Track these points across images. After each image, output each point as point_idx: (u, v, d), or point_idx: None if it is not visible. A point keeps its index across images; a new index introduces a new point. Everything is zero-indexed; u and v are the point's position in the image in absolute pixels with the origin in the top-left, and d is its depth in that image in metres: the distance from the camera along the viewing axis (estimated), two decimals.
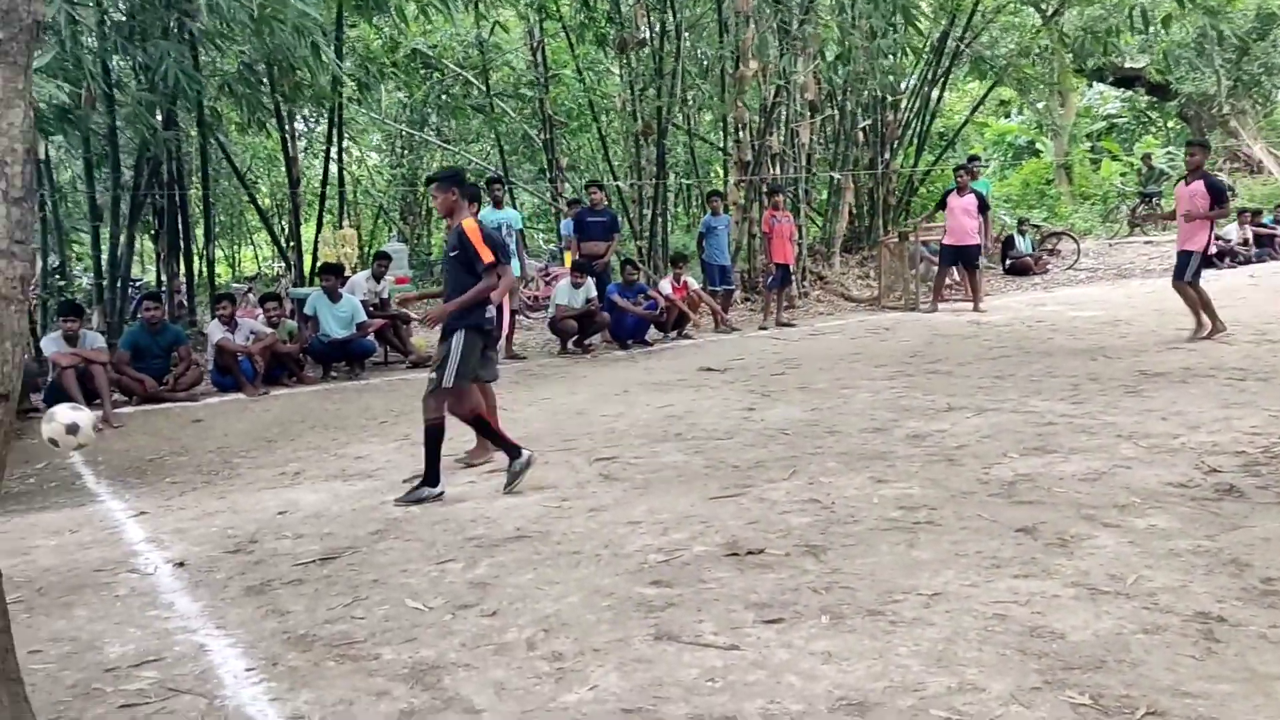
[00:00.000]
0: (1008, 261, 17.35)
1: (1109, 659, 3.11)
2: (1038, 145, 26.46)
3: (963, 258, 13.45)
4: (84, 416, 5.25)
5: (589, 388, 9.26)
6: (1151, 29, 17.27)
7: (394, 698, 3.17)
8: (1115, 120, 27.62)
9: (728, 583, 3.97)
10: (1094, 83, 26.28)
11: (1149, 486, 4.92)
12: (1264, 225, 17.83)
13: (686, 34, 15.28)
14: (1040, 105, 24.65)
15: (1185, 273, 9.49)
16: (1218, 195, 9.36)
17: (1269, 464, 5.15)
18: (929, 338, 11.13)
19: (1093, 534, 4.29)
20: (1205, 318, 9.46)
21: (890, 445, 6.19)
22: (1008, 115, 27.81)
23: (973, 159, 16.21)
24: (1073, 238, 18.93)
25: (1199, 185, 9.39)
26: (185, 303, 12.88)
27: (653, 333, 12.23)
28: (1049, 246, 18.33)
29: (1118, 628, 3.33)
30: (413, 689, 3.23)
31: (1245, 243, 17.19)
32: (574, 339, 11.68)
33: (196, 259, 13.63)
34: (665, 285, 12.26)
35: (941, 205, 13.56)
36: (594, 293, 11.64)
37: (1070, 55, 20.10)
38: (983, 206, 13.33)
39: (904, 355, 9.96)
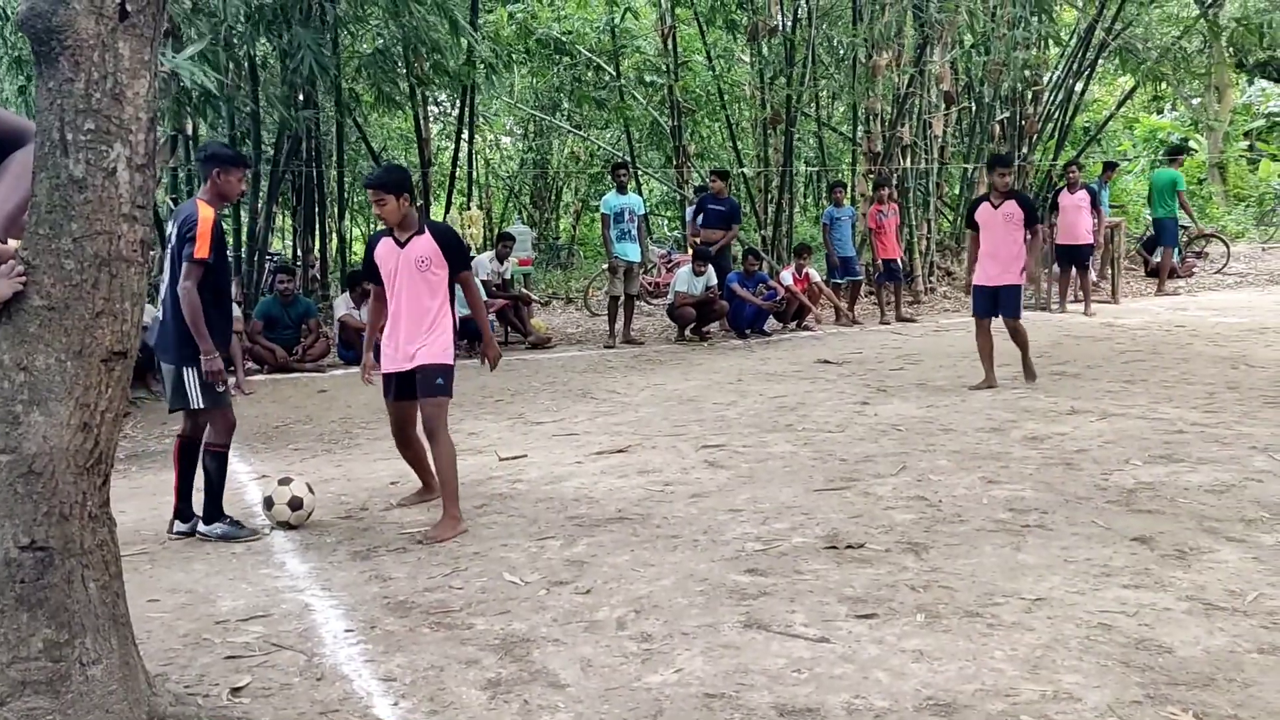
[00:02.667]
0: (1153, 261, 16.57)
1: (1219, 677, 2.96)
2: (1191, 142, 25.16)
3: (1075, 257, 12.90)
4: (309, 497, 4.94)
5: (703, 375, 9.26)
6: None
7: (483, 667, 3.25)
8: (1277, 118, 26.02)
9: (823, 575, 3.93)
10: (1255, 79, 24.81)
11: None
12: None
13: (819, 21, 15.06)
14: (1195, 101, 23.43)
15: None
16: None
17: None
18: (1058, 338, 10.73)
19: (1214, 548, 4.08)
20: None
21: (1006, 446, 6.01)
22: (1160, 111, 26.51)
23: (1109, 165, 15.53)
24: (1222, 240, 17.95)
25: None
26: (319, 276, 13.38)
27: (772, 323, 12.14)
28: (1197, 249, 17.43)
29: (1231, 645, 3.17)
30: (502, 659, 3.30)
31: None
32: (691, 326, 11.68)
33: (331, 235, 14.13)
34: (786, 276, 12.15)
35: (1054, 206, 13.04)
36: (714, 280, 11.62)
37: (1230, 49, 19.05)
38: (1094, 203, 12.80)
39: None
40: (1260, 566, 3.86)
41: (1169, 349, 9.63)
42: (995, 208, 7.92)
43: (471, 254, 11.90)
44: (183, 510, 4.90)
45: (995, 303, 7.97)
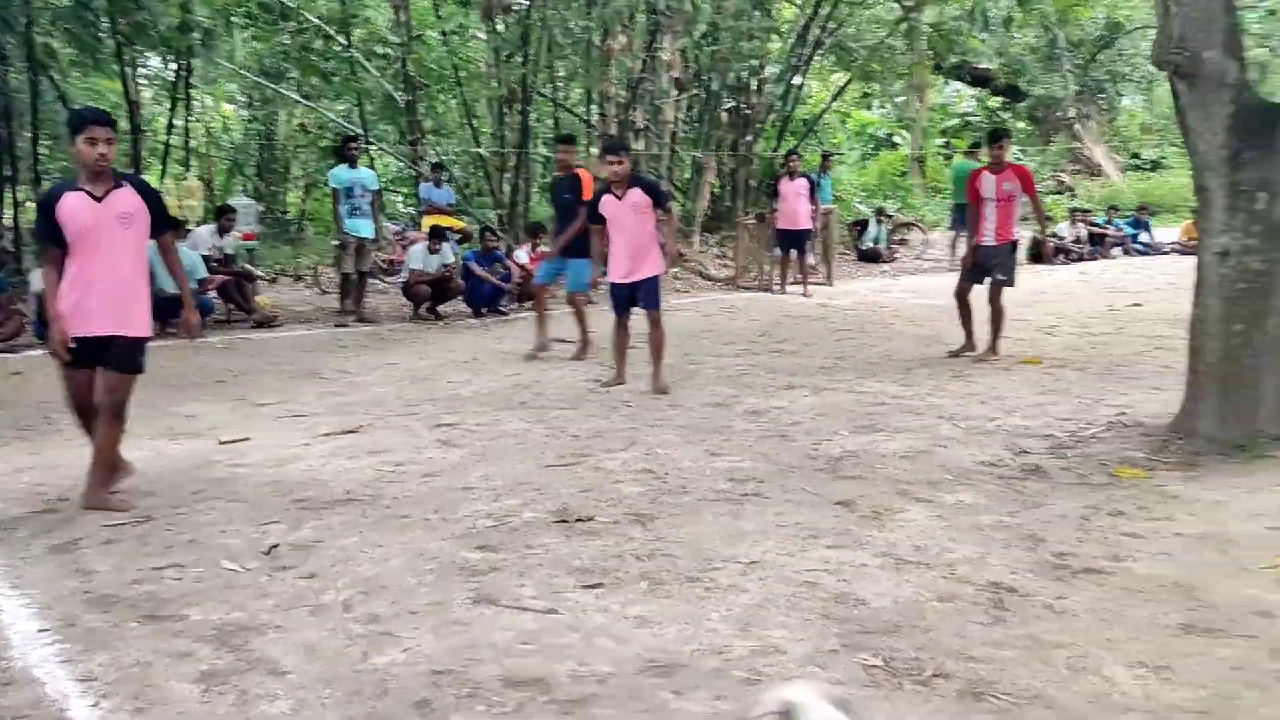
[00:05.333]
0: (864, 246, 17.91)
1: (904, 624, 3.26)
2: (896, 138, 27.31)
3: (795, 242, 13.72)
4: None
5: (438, 354, 9.15)
6: (999, 31, 18.00)
7: (196, 659, 3.08)
8: (969, 118, 28.72)
9: (553, 549, 4.00)
10: (950, 81, 27.25)
11: (962, 465, 5.17)
12: (1096, 224, 18.85)
13: (555, 2, 15.14)
14: (899, 99, 25.41)
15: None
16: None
17: (1074, 447, 5.47)
18: (778, 318, 11.40)
19: (905, 508, 4.49)
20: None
21: (729, 420, 6.33)
22: (869, 107, 28.58)
23: (826, 156, 16.65)
24: (921, 229, 19.65)
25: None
26: (11, 249, 12.11)
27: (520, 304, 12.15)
28: (899, 236, 18.98)
29: (916, 595, 3.50)
30: (217, 650, 3.14)
31: (1078, 240, 18.15)
32: (427, 305, 11.50)
33: (24, 203, 12.81)
34: (522, 254, 12.17)
35: (774, 192, 13.81)
36: (450, 258, 11.48)
37: (930, 52, 20.81)
38: (812, 191, 13.65)
39: (753, 334, 10.17)
40: (943, 524, 4.28)
41: (874, 328, 10.45)
42: (620, 199, 7.14)
43: (189, 227, 11.20)
44: None
45: (634, 299, 7.29)
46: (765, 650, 3.10)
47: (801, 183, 13.51)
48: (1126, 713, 2.72)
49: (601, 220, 7.31)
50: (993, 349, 8.34)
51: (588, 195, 8.07)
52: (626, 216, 7.17)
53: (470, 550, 4.00)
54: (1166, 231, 19.75)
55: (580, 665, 3.01)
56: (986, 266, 8.33)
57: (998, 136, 8.53)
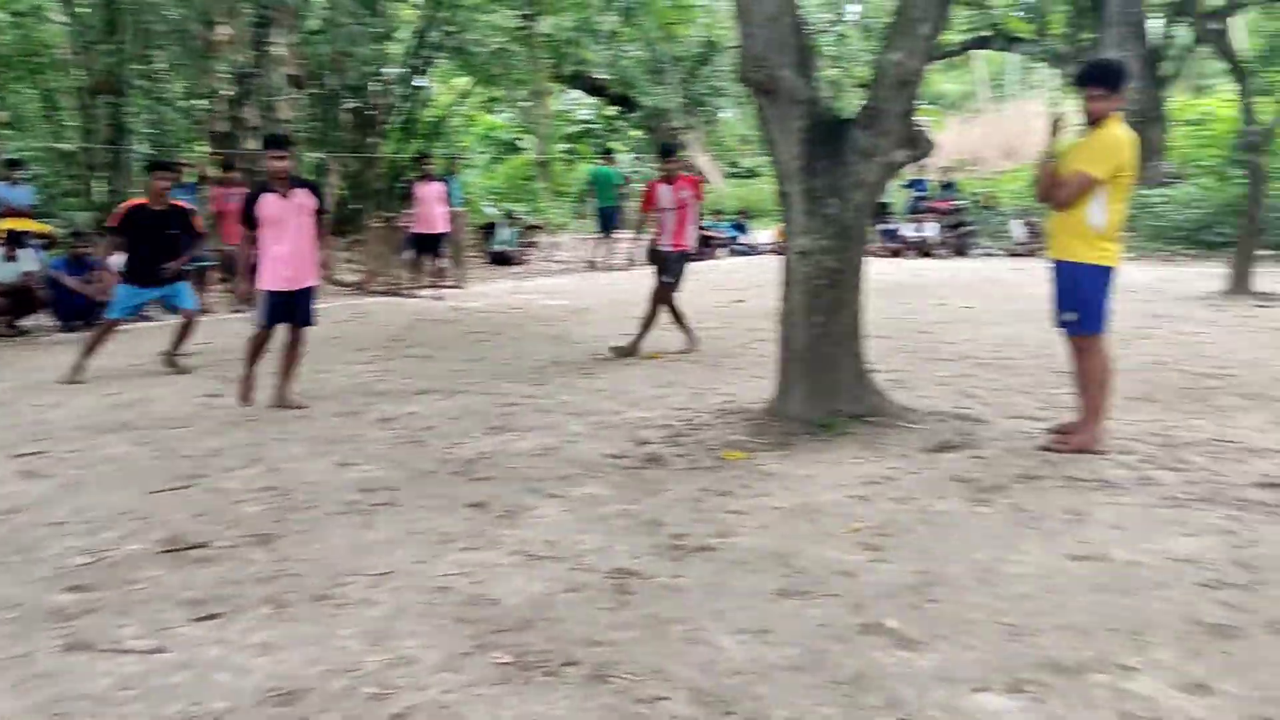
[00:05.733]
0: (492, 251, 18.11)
1: (536, 619, 3.35)
2: (521, 142, 27.84)
3: (431, 245, 13.70)
4: None
5: (18, 375, 8.14)
6: (608, 44, 18.93)
7: None
8: (589, 125, 29.89)
9: (161, 581, 3.70)
10: (569, 88, 28.20)
11: (589, 459, 5.38)
12: (704, 228, 20.30)
13: None
14: (522, 104, 25.93)
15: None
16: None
17: (688, 435, 5.86)
18: (411, 323, 11.25)
19: (537, 505, 4.60)
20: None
21: (360, 429, 6.16)
22: (494, 111, 28.92)
23: (452, 160, 16.74)
24: (549, 231, 20.22)
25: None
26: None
27: None
28: (528, 239, 19.41)
29: (547, 589, 3.60)
30: None
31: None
32: (6, 319, 10.18)
33: None
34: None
35: (408, 195, 13.73)
36: (33, 266, 10.24)
37: (548, 60, 21.43)
38: (448, 194, 13.72)
39: (385, 339, 9.97)
40: (572, 516, 4.43)
41: (507, 329, 10.60)
42: (285, 198, 6.67)
43: None
44: None
45: (290, 310, 6.81)
46: (397, 663, 3.05)
47: (437, 186, 13.44)
48: (734, 675, 2.95)
49: (256, 223, 6.66)
50: (634, 347, 8.71)
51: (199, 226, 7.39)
52: (292, 218, 6.66)
53: (60, 592, 3.60)
54: (763, 233, 21.69)
55: (193, 705, 2.80)
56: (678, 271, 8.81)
57: (669, 151, 9.20)
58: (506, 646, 3.14)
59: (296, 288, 6.78)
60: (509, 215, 19.27)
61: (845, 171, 5.69)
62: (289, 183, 6.71)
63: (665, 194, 8.78)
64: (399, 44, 17.91)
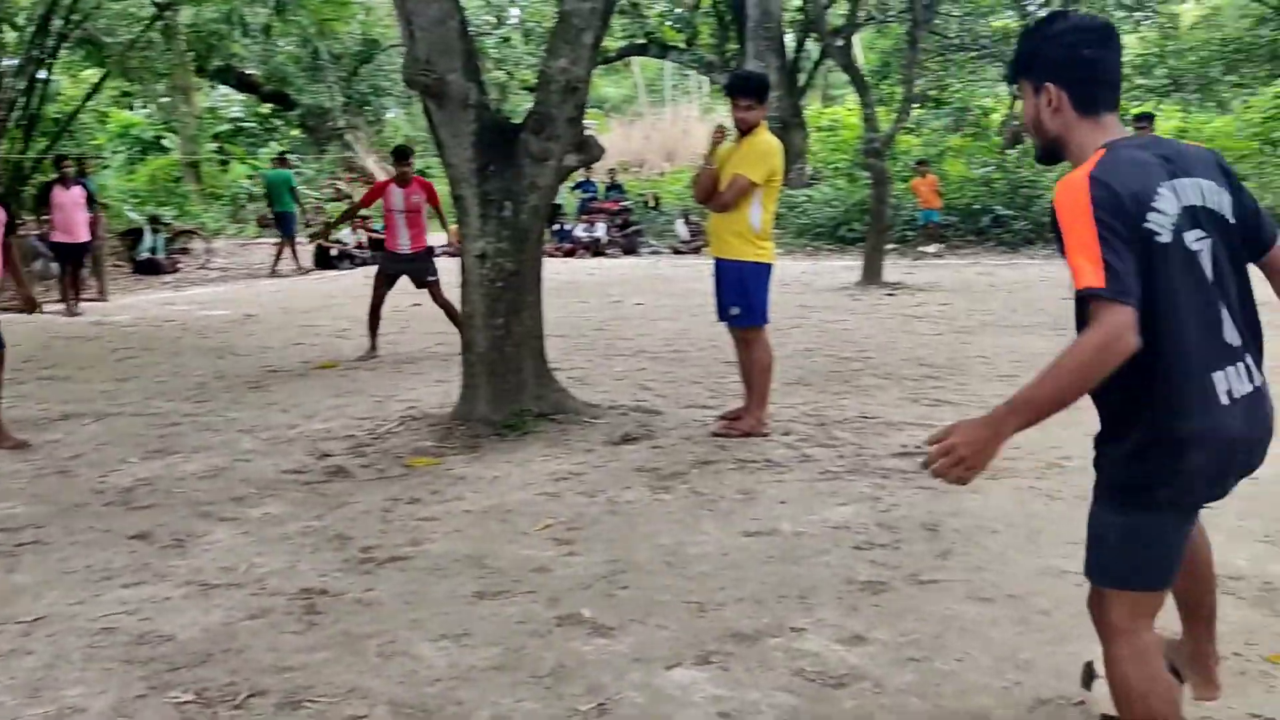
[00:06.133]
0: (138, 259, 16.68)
1: (215, 651, 3.14)
2: (165, 141, 25.84)
3: (75, 254, 12.44)
4: None
5: None
6: (259, 38, 18.03)
7: None
8: (242, 124, 28.25)
9: None
10: (217, 84, 26.53)
11: (266, 476, 5.12)
12: (376, 231, 19.80)
13: None
14: (163, 100, 24.07)
15: None
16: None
17: (372, 444, 5.72)
18: (45, 341, 10.13)
19: (210, 530, 4.31)
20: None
21: None
22: (131, 107, 26.63)
23: (82, 159, 15.21)
24: (203, 236, 18.92)
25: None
26: None
27: None
28: (180, 245, 18.05)
29: (226, 618, 3.39)
30: None
31: (360, 245, 18.91)
32: None
33: None
34: None
35: (44, 200, 12.35)
36: None
37: (191, 53, 20.03)
38: (90, 200, 12.51)
39: (16, 361, 8.84)
40: (249, 539, 4.20)
41: (161, 344, 9.81)
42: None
43: None
44: None
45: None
46: (62, 713, 2.76)
47: (76, 190, 12.13)
48: (434, 683, 2.93)
49: None
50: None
51: None
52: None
53: None
54: (439, 236, 21.48)
55: None
56: (403, 273, 8.73)
57: (403, 154, 8.97)
58: (185, 684, 2.93)
59: None
60: (154, 220, 17.77)
61: (518, 176, 5.78)
62: None
63: (398, 196, 8.69)
64: (17, 32, 16.04)
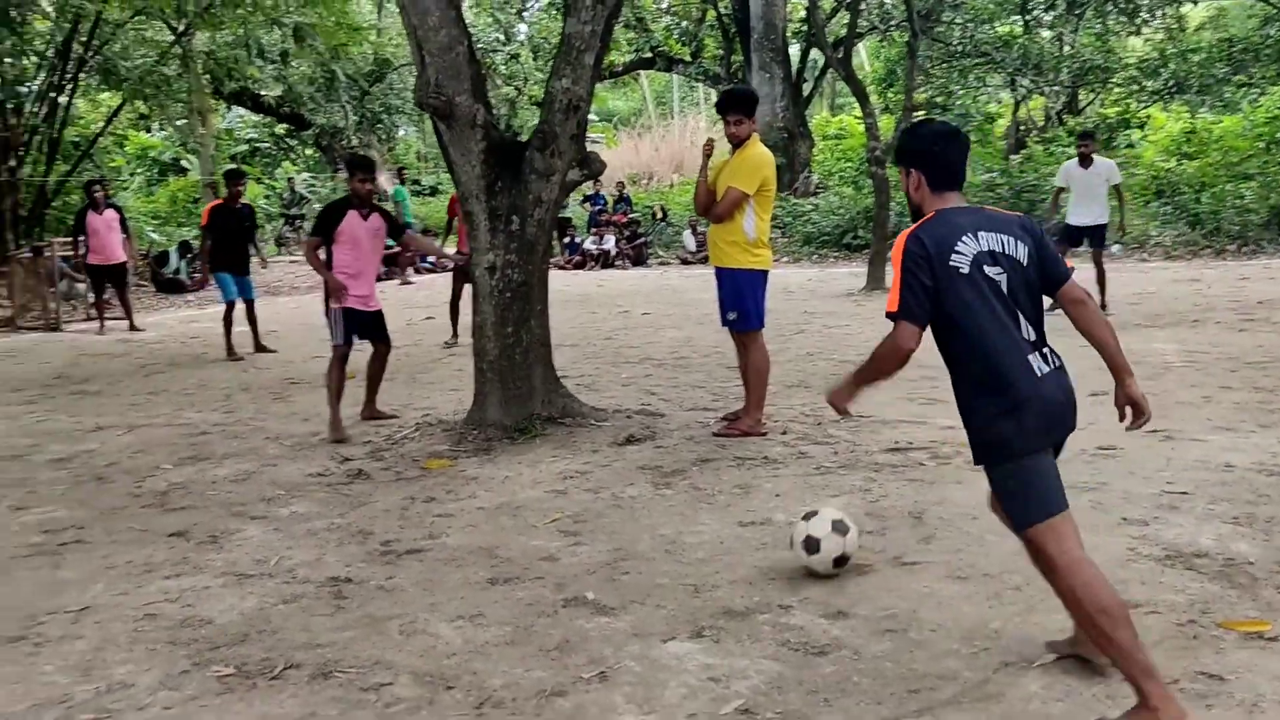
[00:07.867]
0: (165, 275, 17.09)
1: (252, 632, 3.43)
2: (184, 163, 26.31)
3: (113, 277, 12.80)
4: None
5: None
6: (276, 61, 18.41)
7: None
8: (257, 144, 28.74)
9: None
10: (233, 106, 26.99)
11: (293, 479, 5.42)
12: (390, 246, 20.15)
13: None
14: (180, 123, 24.52)
15: None
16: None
17: (390, 449, 6.01)
18: (75, 359, 10.51)
19: (242, 528, 4.62)
20: None
21: (31, 471, 5.83)
22: (149, 130, 27.12)
23: (94, 182, 15.59)
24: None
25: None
26: None
27: None
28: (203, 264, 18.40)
29: (261, 604, 3.69)
30: None
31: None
32: None
33: None
34: None
35: (80, 227, 12.60)
36: None
37: (208, 77, 20.45)
38: (123, 223, 12.83)
39: (47, 378, 9.29)
40: (279, 535, 4.49)
41: (186, 359, 10.16)
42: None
43: None
44: None
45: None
46: (112, 689, 3.05)
47: (111, 214, 12.47)
48: (451, 656, 3.21)
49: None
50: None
51: None
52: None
53: None
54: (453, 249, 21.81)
55: None
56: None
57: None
58: (225, 660, 3.22)
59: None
60: (183, 246, 18.02)
61: (525, 191, 6.08)
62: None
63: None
64: (36, 59, 16.48)
